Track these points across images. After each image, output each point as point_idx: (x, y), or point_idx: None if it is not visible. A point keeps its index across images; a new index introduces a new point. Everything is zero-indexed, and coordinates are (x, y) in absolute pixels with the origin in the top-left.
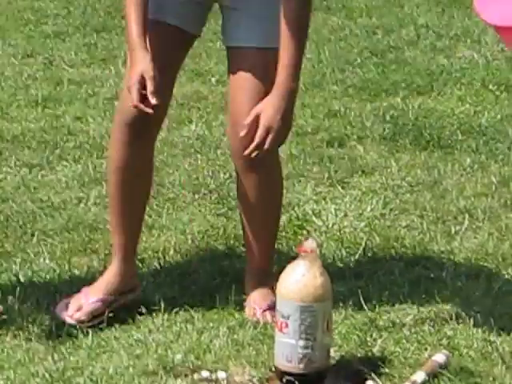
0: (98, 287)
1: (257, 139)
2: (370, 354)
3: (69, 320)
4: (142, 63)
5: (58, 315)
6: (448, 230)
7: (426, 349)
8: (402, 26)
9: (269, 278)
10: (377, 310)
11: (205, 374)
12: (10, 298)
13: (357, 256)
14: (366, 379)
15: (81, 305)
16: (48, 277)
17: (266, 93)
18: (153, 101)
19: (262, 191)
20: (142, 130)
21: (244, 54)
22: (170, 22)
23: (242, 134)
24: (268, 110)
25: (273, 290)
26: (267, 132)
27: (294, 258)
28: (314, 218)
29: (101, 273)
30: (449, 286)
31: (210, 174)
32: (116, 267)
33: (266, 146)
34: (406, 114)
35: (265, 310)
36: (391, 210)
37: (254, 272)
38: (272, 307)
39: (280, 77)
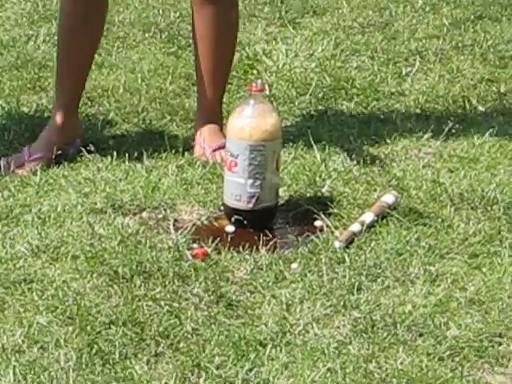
0: (39, 144)
1: None
2: (319, 194)
3: (2, 162)
4: None
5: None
6: (399, 72)
7: (375, 190)
8: None
9: (219, 118)
10: (326, 150)
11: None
12: None
13: (307, 96)
14: (314, 219)
15: (22, 162)
16: None
17: None
18: None
19: (218, 25)
20: None
21: None
22: None
23: None
24: None
25: (222, 130)
26: None
27: (244, 97)
28: (264, 58)
29: (49, 110)
30: (399, 128)
31: (161, 12)
32: (57, 123)
33: None
34: None
35: (214, 150)
36: (342, 50)
37: (204, 111)
38: (221, 147)
39: None
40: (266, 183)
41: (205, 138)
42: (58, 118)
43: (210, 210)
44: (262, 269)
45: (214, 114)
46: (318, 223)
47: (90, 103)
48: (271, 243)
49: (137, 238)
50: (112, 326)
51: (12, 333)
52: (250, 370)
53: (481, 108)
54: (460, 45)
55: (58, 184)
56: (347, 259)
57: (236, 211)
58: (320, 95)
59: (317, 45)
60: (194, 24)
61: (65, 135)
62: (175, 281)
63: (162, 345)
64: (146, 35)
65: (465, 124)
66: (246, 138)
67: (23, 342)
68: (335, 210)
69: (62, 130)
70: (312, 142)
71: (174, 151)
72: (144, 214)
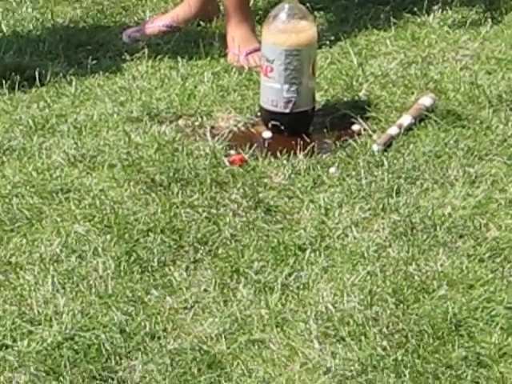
0: (167, 15)
1: None
2: (356, 98)
3: (124, 37)
4: None
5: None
6: None
7: (412, 92)
8: None
9: (249, 20)
10: (363, 54)
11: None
12: None
13: (343, 0)
14: (352, 123)
15: (143, 28)
16: (31, 25)
17: None
18: None
19: None
20: None
21: None
22: None
23: None
24: None
25: (255, 33)
26: None
27: (279, 2)
28: None
29: (84, 21)
30: (436, 30)
31: None
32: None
33: None
34: None
35: (248, 54)
36: None
37: (233, 11)
38: (255, 50)
39: None
40: (302, 88)
41: (238, 43)
42: None
43: (246, 116)
44: (299, 174)
45: (244, 14)
46: (355, 127)
47: (124, 12)
48: (309, 148)
49: (173, 145)
50: (150, 233)
51: (50, 242)
52: (290, 274)
53: None
54: None
55: (94, 93)
56: (385, 162)
57: (273, 115)
58: None
59: None
60: None
61: (193, 12)
62: (213, 187)
63: (200, 251)
64: None
65: (502, 25)
66: (280, 43)
67: (61, 251)
68: (373, 114)
69: (190, 7)
70: (348, 47)
71: (209, 58)
72: (180, 122)
